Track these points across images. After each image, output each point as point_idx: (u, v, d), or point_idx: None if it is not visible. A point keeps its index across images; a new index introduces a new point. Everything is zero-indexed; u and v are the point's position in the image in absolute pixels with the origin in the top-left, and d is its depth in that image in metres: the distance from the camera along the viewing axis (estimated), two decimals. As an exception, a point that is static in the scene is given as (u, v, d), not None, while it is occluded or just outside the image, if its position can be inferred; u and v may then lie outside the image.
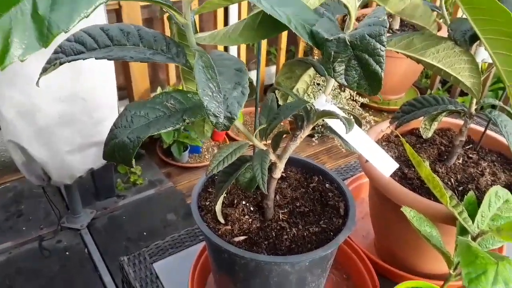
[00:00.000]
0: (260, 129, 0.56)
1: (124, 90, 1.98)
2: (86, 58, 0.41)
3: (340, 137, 0.52)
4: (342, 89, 2.00)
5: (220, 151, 0.53)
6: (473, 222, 0.53)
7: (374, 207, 0.74)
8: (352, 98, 2.00)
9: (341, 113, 0.50)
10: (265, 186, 0.50)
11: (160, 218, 1.73)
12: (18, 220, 1.70)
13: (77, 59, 0.40)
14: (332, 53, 0.37)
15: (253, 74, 2.43)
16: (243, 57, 2.17)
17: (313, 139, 2.11)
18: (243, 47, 2.16)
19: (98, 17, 1.22)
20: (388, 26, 0.37)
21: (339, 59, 0.38)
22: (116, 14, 1.74)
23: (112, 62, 1.45)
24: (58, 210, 1.68)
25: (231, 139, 2.13)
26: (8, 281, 1.47)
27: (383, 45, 0.35)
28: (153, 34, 0.45)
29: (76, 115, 1.30)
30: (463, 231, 0.53)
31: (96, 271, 1.52)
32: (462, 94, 2.38)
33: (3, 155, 1.88)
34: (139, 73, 1.88)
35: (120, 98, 1.58)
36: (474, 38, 0.53)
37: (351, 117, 0.58)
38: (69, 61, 0.40)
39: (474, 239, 0.51)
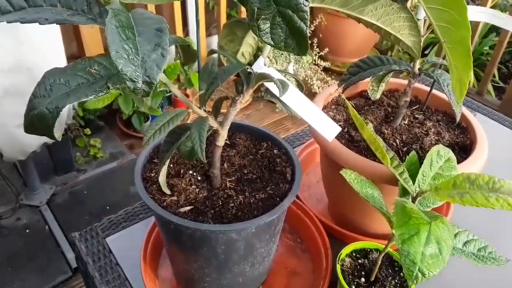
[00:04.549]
0: (200, 95, 0.53)
1: (79, 58, 1.89)
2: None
3: (280, 101, 0.51)
4: (305, 53, 1.97)
5: (157, 119, 0.51)
6: (414, 182, 0.54)
7: (324, 171, 0.74)
8: (314, 62, 1.98)
9: (279, 76, 0.48)
10: (203, 155, 0.48)
11: (123, 191, 1.70)
12: (-27, 200, 1.63)
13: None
14: (256, 9, 0.35)
15: (214, 40, 2.36)
16: (202, 22, 2.09)
17: (277, 105, 2.10)
18: (202, 10, 2.08)
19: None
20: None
21: (263, 16, 0.35)
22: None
23: (58, 27, 1.36)
24: (15, 187, 1.62)
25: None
26: (-34, 261, 1.43)
27: (307, 0, 0.33)
28: (73, -6, 0.41)
29: (22, 86, 1.23)
30: (404, 192, 0.54)
31: (58, 247, 1.49)
32: (424, 56, 2.40)
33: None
34: (91, 39, 1.79)
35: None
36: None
37: (293, 80, 0.56)
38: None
39: (414, 199, 0.51)
